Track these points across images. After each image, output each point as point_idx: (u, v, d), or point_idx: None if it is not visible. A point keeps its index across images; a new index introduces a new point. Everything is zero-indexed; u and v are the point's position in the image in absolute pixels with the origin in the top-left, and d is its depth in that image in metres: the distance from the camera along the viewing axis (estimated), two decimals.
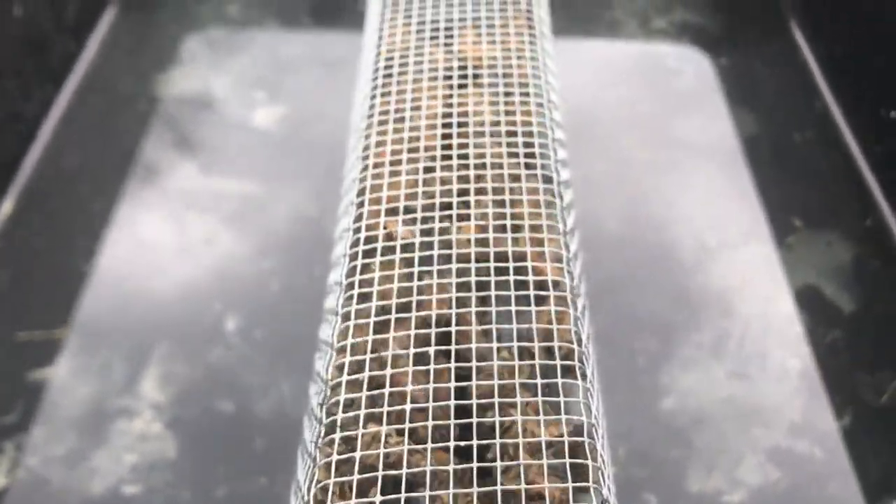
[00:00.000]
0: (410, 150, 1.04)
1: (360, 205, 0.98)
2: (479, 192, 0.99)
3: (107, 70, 2.08)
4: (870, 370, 1.53)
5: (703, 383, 1.51)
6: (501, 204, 0.99)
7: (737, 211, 1.79)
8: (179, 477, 1.36)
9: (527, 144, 1.06)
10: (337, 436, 0.76)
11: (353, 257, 0.92)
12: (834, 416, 1.47)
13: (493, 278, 0.89)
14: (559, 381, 0.82)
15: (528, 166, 1.04)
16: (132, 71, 2.08)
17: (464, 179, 1.02)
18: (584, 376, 0.85)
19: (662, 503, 1.36)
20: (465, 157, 1.05)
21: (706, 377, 1.52)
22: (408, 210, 0.98)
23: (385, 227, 0.93)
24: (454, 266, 0.90)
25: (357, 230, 0.95)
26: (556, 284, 0.91)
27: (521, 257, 0.93)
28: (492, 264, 0.91)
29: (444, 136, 1.07)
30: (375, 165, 1.03)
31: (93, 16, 2.14)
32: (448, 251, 0.93)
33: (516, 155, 1.05)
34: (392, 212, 0.97)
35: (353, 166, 1.07)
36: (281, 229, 1.74)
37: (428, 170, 1.02)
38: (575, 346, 0.85)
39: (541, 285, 0.90)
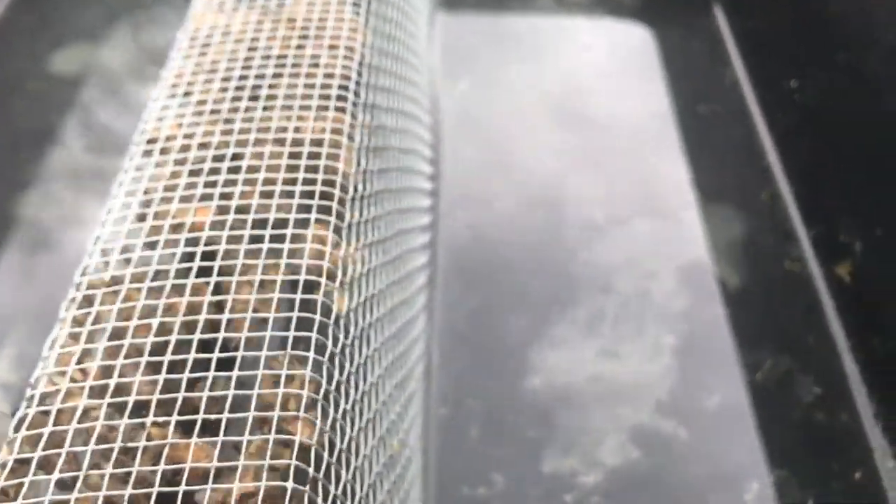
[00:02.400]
0: (209, 72, 1.02)
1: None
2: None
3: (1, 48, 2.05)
4: (748, 348, 1.47)
5: (573, 362, 1.46)
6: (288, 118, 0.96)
7: (631, 186, 1.73)
8: None
9: (327, 76, 1.02)
10: None
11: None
12: (704, 395, 1.41)
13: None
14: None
15: (323, 97, 1.00)
16: (27, 49, 2.05)
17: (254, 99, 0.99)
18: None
19: (509, 484, 1.31)
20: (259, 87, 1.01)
21: (576, 355, 1.47)
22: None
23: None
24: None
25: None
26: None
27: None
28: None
29: (245, 68, 1.04)
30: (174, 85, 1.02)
31: None
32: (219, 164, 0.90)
33: (313, 86, 1.01)
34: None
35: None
36: None
37: (222, 90, 1.00)
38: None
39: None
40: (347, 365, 0.82)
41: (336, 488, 0.73)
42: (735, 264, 1.59)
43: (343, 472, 0.75)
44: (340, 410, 0.77)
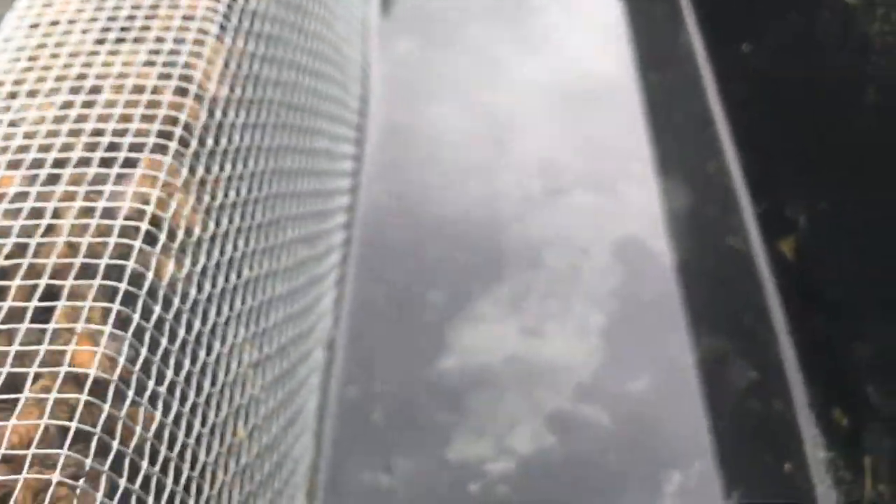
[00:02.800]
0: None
1: None
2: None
3: None
4: (683, 329, 1.37)
5: (492, 341, 1.36)
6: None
7: (573, 156, 1.63)
8: None
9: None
10: None
11: None
12: (630, 378, 1.31)
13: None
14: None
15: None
16: None
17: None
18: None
19: (413, 471, 1.21)
20: None
21: (496, 334, 1.37)
22: None
23: None
24: None
25: None
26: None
27: None
28: None
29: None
30: None
31: None
32: None
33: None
34: None
35: None
36: None
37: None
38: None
39: None
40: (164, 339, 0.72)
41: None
42: (675, 240, 1.49)
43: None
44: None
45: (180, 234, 0.77)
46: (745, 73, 1.62)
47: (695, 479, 1.20)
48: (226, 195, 0.90)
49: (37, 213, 0.74)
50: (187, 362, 0.75)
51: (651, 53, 1.83)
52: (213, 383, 0.82)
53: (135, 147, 0.79)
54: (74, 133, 0.81)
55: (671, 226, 1.50)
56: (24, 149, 0.80)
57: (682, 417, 1.27)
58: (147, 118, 0.83)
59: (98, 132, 0.81)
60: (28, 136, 0.81)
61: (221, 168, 0.90)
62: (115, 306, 0.67)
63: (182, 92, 0.85)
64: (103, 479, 0.59)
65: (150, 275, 0.71)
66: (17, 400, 0.60)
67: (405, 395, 1.29)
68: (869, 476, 1.13)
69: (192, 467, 0.76)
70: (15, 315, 0.66)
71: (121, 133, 0.81)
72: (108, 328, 0.65)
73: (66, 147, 0.79)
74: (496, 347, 1.35)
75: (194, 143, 0.84)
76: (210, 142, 0.86)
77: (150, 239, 0.73)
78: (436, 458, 1.23)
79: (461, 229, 1.52)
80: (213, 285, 0.84)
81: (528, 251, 1.48)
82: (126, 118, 0.82)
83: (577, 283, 1.43)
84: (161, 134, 0.81)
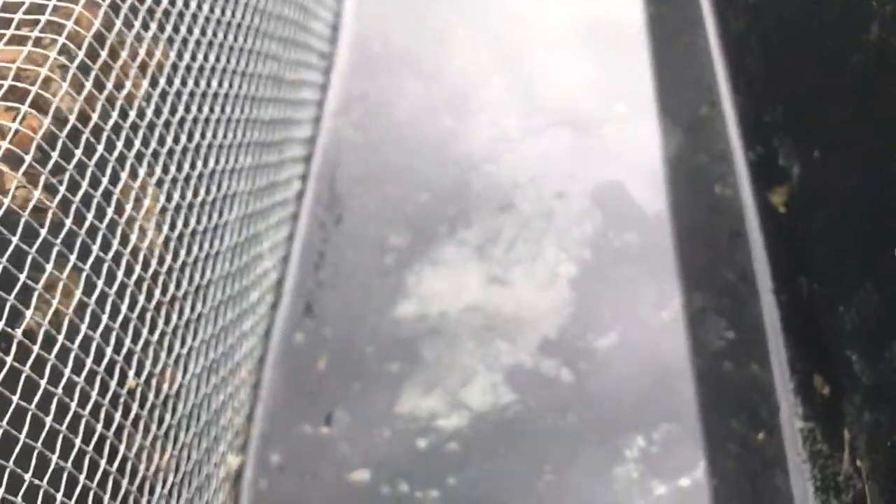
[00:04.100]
0: None
1: None
2: None
3: None
4: (658, 283, 1.27)
5: (454, 287, 1.27)
6: None
7: (553, 95, 1.51)
8: None
9: None
10: None
11: None
12: (598, 334, 1.22)
13: None
14: None
15: None
16: None
17: None
18: None
19: (357, 424, 1.13)
20: None
21: (459, 281, 1.27)
22: None
23: None
24: None
25: None
26: None
27: None
28: None
29: None
30: None
31: None
32: None
33: None
34: None
35: None
36: None
37: None
38: None
39: None
40: None
41: None
42: (660, 187, 1.38)
43: None
44: None
45: None
46: (745, 8, 1.49)
47: (659, 444, 1.11)
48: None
49: None
50: None
51: None
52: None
53: None
54: None
55: (655, 172, 1.40)
56: None
57: (651, 377, 1.18)
58: None
59: None
60: None
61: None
62: None
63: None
64: None
65: None
66: None
67: (355, 342, 1.21)
68: (847, 450, 1.04)
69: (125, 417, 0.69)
70: None
71: None
72: None
73: None
74: (457, 295, 1.26)
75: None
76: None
77: None
78: (383, 412, 1.14)
79: (429, 167, 1.42)
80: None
81: (499, 194, 1.37)
82: None
83: (550, 229, 1.33)
84: None
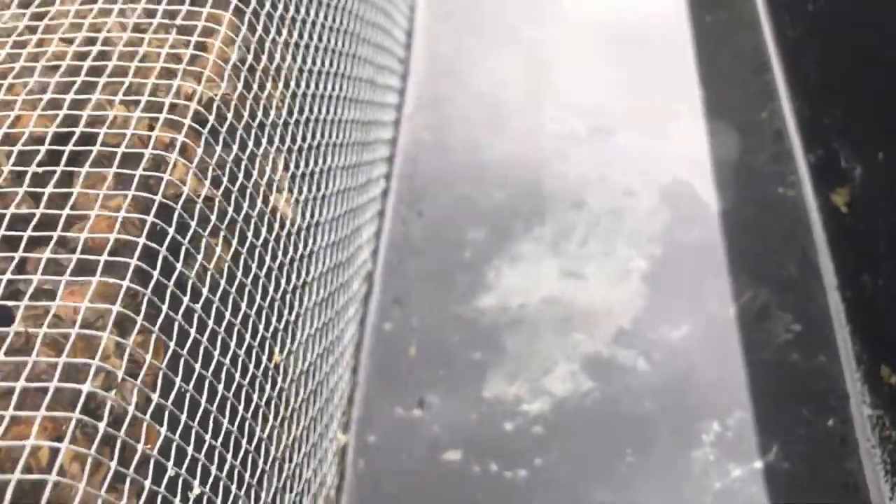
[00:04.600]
0: None
1: None
2: None
3: None
4: (726, 278, 1.33)
5: (531, 281, 1.33)
6: None
7: (619, 96, 1.58)
8: None
9: None
10: None
11: None
12: (671, 326, 1.29)
13: None
14: None
15: None
16: None
17: None
18: None
19: (447, 407, 1.20)
20: None
21: (536, 274, 1.34)
22: None
23: None
24: None
25: None
26: None
27: None
28: None
29: None
30: None
31: None
32: None
33: None
34: None
35: None
36: None
37: None
38: None
39: None
40: None
41: None
42: (723, 186, 1.45)
43: None
44: None
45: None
46: (804, 15, 1.55)
47: (733, 430, 1.18)
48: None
49: None
50: None
51: None
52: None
53: None
54: None
55: (720, 172, 1.46)
56: None
57: (722, 367, 1.24)
58: None
59: None
60: None
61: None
62: None
63: None
64: None
65: None
66: None
67: (441, 332, 1.27)
68: None
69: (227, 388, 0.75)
70: None
71: None
72: None
73: None
74: (535, 288, 1.32)
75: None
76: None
77: None
78: (471, 396, 1.21)
79: (502, 167, 1.48)
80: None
81: (570, 191, 1.44)
82: None
83: (620, 226, 1.39)
84: None
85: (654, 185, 1.44)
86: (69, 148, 0.70)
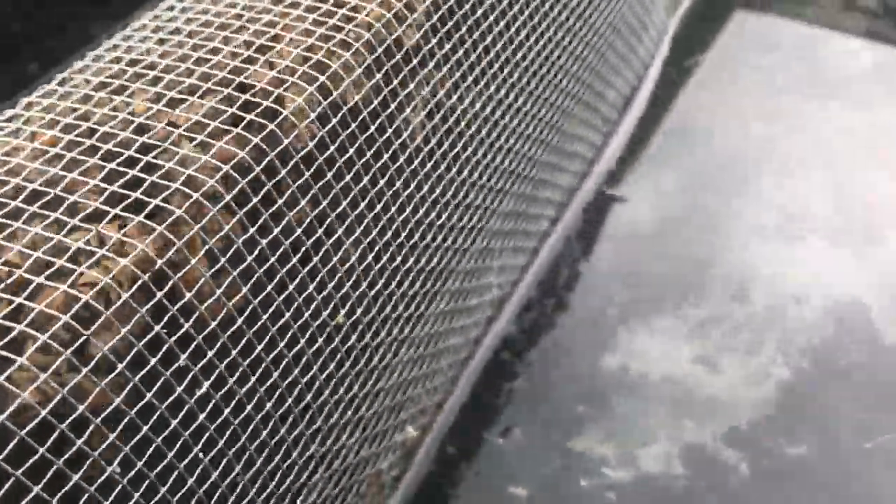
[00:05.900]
0: None
1: None
2: None
3: None
4: (870, 411, 1.23)
5: (662, 354, 1.30)
6: None
7: (816, 201, 1.51)
8: None
9: None
10: None
11: None
12: (789, 442, 1.20)
13: None
14: None
15: None
16: None
17: None
18: None
19: (530, 444, 1.20)
20: None
21: (670, 350, 1.31)
22: None
23: None
24: None
25: None
26: None
27: None
28: None
29: None
30: None
31: None
32: None
33: None
34: None
35: None
36: None
37: None
38: None
39: None
40: None
41: None
42: None
43: None
44: None
45: None
46: None
47: None
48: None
49: None
50: None
51: None
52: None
53: None
54: None
55: None
56: None
57: (833, 499, 1.14)
58: None
59: None
60: None
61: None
62: None
63: None
64: None
65: None
66: None
67: (553, 375, 1.28)
68: None
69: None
70: None
71: None
72: None
73: None
74: (662, 363, 1.29)
75: None
76: None
77: None
78: (557, 443, 1.21)
79: (675, 240, 1.47)
80: None
81: (736, 283, 1.39)
82: None
83: (776, 329, 1.33)
84: None
85: (828, 297, 1.36)
86: None
